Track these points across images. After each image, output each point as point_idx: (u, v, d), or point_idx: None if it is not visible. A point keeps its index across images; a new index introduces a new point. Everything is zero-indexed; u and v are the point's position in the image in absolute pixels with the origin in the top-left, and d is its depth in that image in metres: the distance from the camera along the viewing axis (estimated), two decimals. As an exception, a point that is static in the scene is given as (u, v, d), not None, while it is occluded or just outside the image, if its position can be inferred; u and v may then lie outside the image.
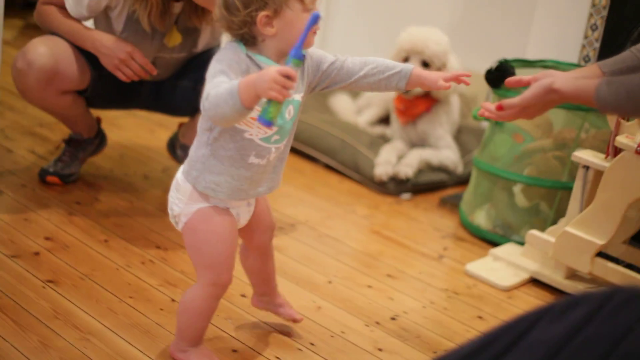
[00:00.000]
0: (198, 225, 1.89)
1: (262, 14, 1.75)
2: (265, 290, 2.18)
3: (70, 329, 2.06)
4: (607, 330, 1.13)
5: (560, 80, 1.99)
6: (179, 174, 1.91)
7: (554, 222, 2.85)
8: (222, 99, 1.66)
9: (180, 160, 3.08)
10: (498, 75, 2.88)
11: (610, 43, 3.14)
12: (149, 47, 2.72)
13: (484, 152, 3.03)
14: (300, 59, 1.70)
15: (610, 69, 2.08)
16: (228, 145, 1.82)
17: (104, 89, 2.82)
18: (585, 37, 3.23)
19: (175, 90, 2.91)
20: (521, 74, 2.87)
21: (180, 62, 2.88)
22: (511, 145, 2.91)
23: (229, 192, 1.86)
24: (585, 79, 2.02)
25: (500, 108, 2.05)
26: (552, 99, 2.01)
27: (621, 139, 2.40)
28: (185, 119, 3.09)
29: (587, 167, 2.56)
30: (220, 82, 1.71)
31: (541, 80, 2.02)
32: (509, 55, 3.19)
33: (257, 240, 2.08)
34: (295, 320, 2.21)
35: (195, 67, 2.87)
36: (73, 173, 2.94)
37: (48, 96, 2.70)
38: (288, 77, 1.62)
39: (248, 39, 1.79)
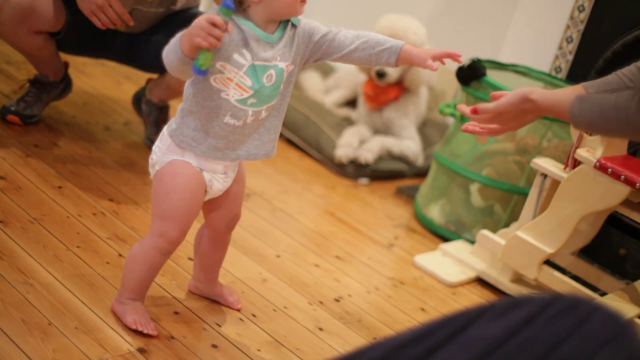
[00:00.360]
0: (165, 175, 1.90)
1: None
2: (204, 277, 2.17)
3: (14, 272, 2.04)
4: (545, 335, 1.14)
5: (538, 91, 2.01)
6: (165, 127, 1.94)
7: (506, 225, 2.89)
8: (171, 48, 1.74)
9: (143, 115, 3.07)
10: (469, 74, 2.90)
11: (583, 57, 3.17)
12: None
13: (446, 147, 3.05)
14: (229, 8, 1.68)
15: (595, 90, 2.09)
16: (205, 102, 1.83)
17: (77, 34, 2.79)
18: (560, 47, 3.25)
19: (148, 44, 2.89)
20: (492, 76, 2.90)
21: (157, 17, 2.86)
22: (473, 145, 2.93)
23: (205, 149, 1.87)
24: (563, 94, 2.03)
25: (475, 112, 2.05)
26: (527, 108, 2.02)
27: (582, 152, 2.42)
28: (154, 76, 3.07)
29: (545, 175, 2.59)
30: None
31: (519, 89, 2.03)
32: (482, 56, 3.20)
33: (216, 223, 2.06)
34: (234, 309, 2.20)
35: (170, 23, 2.85)
36: (35, 115, 2.91)
37: (20, 33, 2.67)
38: (213, 23, 1.65)
39: (235, 4, 1.79)
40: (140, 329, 1.93)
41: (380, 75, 3.45)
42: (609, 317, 1.14)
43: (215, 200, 2.01)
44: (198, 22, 1.66)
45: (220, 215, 2.05)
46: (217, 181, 1.95)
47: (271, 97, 1.88)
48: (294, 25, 1.87)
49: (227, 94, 1.83)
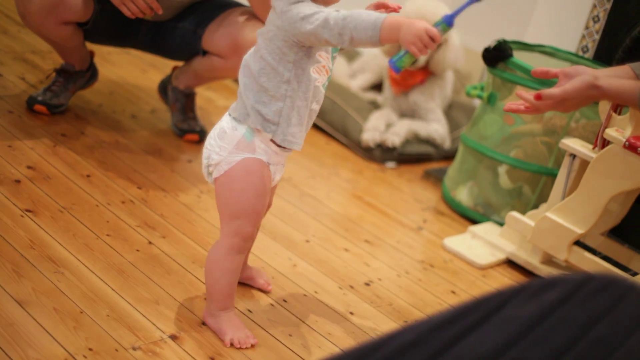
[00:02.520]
0: (239, 175, 1.87)
1: None
2: None
3: (45, 261, 2.05)
4: (580, 315, 1.13)
5: (603, 78, 1.99)
6: (227, 123, 1.88)
7: (535, 207, 2.87)
8: (363, 26, 1.69)
9: (170, 103, 3.07)
10: (495, 55, 2.88)
11: (610, 37, 3.14)
12: None
13: (473, 129, 3.04)
14: (450, 25, 1.71)
15: None
16: (305, 94, 1.83)
17: (105, 24, 2.80)
18: (586, 27, 3.22)
19: (175, 32, 2.89)
20: (518, 57, 2.88)
21: (184, 4, 2.86)
22: (501, 126, 2.92)
23: (300, 140, 1.89)
24: (628, 80, 2.01)
25: (538, 97, 2.03)
26: (592, 94, 2.00)
27: (610, 132, 2.40)
28: (180, 63, 3.08)
29: (573, 156, 2.57)
30: (343, 11, 1.72)
31: (583, 75, 2.01)
32: (508, 37, 3.18)
33: None
34: (265, 291, 2.20)
35: (197, 10, 2.86)
36: (61, 104, 2.92)
37: (48, 24, 2.67)
38: (432, 39, 1.67)
39: None
40: (238, 346, 1.92)
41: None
42: (646, 297, 1.14)
43: None
44: (418, 30, 1.67)
45: None
46: (278, 172, 1.96)
47: None
48: None
49: (318, 82, 1.85)
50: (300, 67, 1.80)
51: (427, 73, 3.56)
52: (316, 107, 1.89)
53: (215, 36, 2.80)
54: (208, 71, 2.91)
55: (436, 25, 1.71)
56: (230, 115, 1.89)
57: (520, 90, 2.10)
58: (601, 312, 1.13)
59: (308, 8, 1.73)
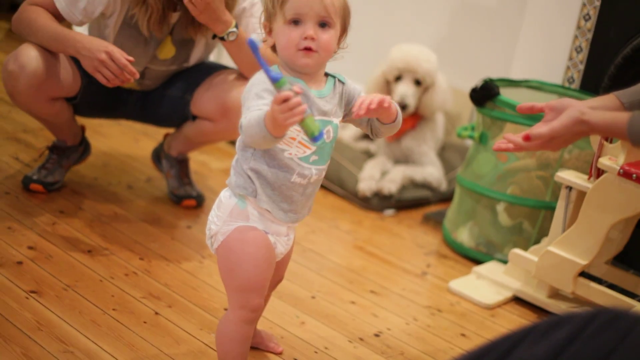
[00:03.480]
0: (234, 245, 1.82)
1: (263, 20, 1.81)
2: None
3: (53, 341, 2.05)
4: (591, 351, 1.14)
5: (590, 112, 1.97)
6: (224, 192, 1.86)
7: (537, 241, 2.87)
8: (253, 128, 1.66)
9: (164, 170, 3.09)
10: (482, 94, 2.90)
11: (594, 65, 3.17)
12: (142, 54, 2.72)
13: (468, 170, 3.05)
14: (276, 79, 1.60)
15: (629, 99, 2.07)
16: (271, 163, 1.78)
17: (93, 97, 2.82)
18: (570, 58, 3.25)
19: (163, 99, 2.92)
20: (506, 94, 2.90)
21: (170, 74, 2.89)
22: (495, 164, 2.93)
23: (278, 210, 1.82)
24: (610, 110, 2.01)
25: (527, 138, 2.01)
26: (580, 130, 1.98)
27: (604, 161, 2.41)
28: (170, 130, 3.09)
29: (570, 188, 2.58)
30: (252, 106, 1.70)
31: (569, 110, 1.99)
32: (494, 75, 3.21)
33: None
34: (276, 352, 2.19)
35: (184, 77, 2.89)
36: (57, 181, 2.93)
37: (37, 101, 2.69)
38: (286, 100, 1.58)
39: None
40: None
41: (402, 107, 3.45)
42: (653, 328, 1.14)
43: None
44: (271, 109, 1.60)
45: None
46: (280, 244, 1.90)
47: (330, 153, 1.84)
48: (340, 82, 1.84)
49: (290, 153, 1.78)
50: None
51: (417, 118, 3.58)
52: (300, 180, 1.80)
53: (203, 100, 2.82)
54: (199, 136, 2.92)
55: (275, 91, 1.62)
56: (229, 184, 1.87)
57: (508, 133, 2.08)
58: (610, 347, 1.13)
59: (247, 108, 1.73)
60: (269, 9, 1.79)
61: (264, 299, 1.91)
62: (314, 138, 1.63)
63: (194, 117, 2.89)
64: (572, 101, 2.04)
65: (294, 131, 1.74)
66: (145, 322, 2.23)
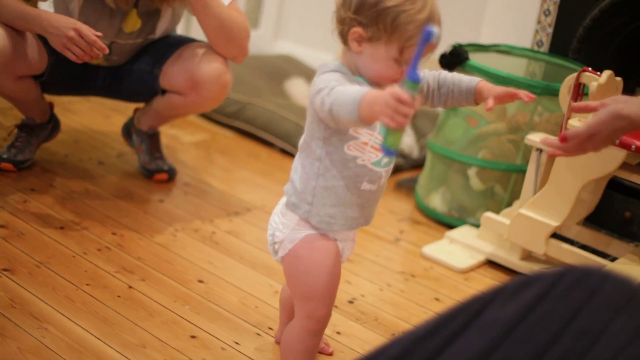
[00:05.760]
0: (302, 253, 1.77)
1: (357, 29, 1.65)
2: None
3: (27, 318, 2.04)
4: (559, 309, 1.14)
5: (630, 105, 1.86)
6: (283, 202, 1.81)
7: (509, 205, 2.89)
8: (347, 105, 1.52)
9: (135, 145, 3.07)
10: (452, 60, 2.90)
11: (563, 28, 3.17)
12: (107, 28, 2.70)
13: (439, 135, 3.05)
14: (416, 81, 1.43)
15: None
16: (342, 174, 1.70)
17: (61, 74, 2.79)
18: (539, 22, 3.25)
19: (132, 74, 2.90)
20: (475, 59, 2.90)
21: (137, 47, 2.86)
22: (465, 129, 2.94)
23: (343, 222, 1.76)
24: None
25: (564, 139, 1.87)
26: (620, 126, 1.85)
27: (574, 122, 2.42)
28: (140, 105, 3.08)
29: (540, 150, 2.59)
30: (340, 85, 1.58)
31: (608, 106, 1.87)
32: (463, 40, 3.20)
33: None
34: (326, 354, 2.12)
35: (152, 50, 2.87)
36: (27, 159, 2.91)
37: (4, 80, 2.66)
38: (401, 102, 1.41)
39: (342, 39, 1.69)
40: None
41: None
42: (620, 284, 1.15)
43: None
44: (384, 97, 1.42)
45: None
46: (348, 249, 1.86)
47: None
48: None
49: (363, 160, 1.71)
50: (331, 145, 1.69)
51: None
52: (370, 186, 1.74)
53: (172, 74, 2.81)
54: (169, 109, 2.91)
55: (402, 86, 1.44)
56: (287, 196, 1.80)
57: (545, 138, 1.96)
58: (580, 305, 1.14)
59: (326, 80, 1.60)
60: (372, 24, 1.63)
61: (331, 309, 1.83)
62: (390, 152, 1.47)
63: (164, 91, 2.87)
64: (624, 97, 1.90)
65: (367, 135, 1.68)
66: (119, 296, 2.22)
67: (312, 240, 1.77)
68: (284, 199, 1.81)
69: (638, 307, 1.12)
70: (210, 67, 2.72)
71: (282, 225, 1.79)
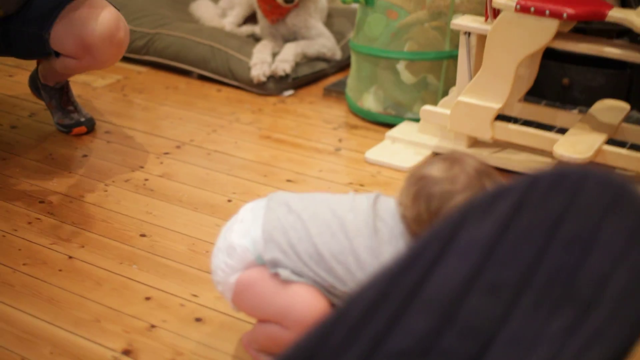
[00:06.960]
0: (249, 275, 1.63)
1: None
2: None
3: (-34, 313, 1.90)
4: (542, 216, 1.06)
5: None
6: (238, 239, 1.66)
7: (445, 94, 2.79)
8: None
9: (45, 101, 2.89)
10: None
11: None
12: None
13: (360, 34, 2.92)
14: None
15: None
16: None
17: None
18: None
19: (23, 37, 2.66)
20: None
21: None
22: (386, 23, 2.80)
23: None
24: None
25: None
26: None
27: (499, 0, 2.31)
28: (42, 59, 2.88)
29: (468, 33, 2.47)
30: None
31: None
32: None
33: None
34: None
35: (38, 8, 2.61)
36: None
37: None
38: None
39: None
40: None
41: (287, 1, 3.30)
42: (602, 182, 1.05)
43: None
44: None
45: None
46: None
47: None
48: None
49: None
50: None
51: (296, -9, 3.42)
52: None
53: (62, 39, 2.56)
54: (66, 70, 2.69)
55: None
56: None
57: None
58: (561, 210, 1.05)
59: None
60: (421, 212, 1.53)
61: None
62: None
63: (57, 54, 2.65)
64: None
65: None
66: (60, 270, 2.08)
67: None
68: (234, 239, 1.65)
69: (627, 206, 1.02)
70: (101, 28, 2.50)
71: (225, 265, 1.64)
